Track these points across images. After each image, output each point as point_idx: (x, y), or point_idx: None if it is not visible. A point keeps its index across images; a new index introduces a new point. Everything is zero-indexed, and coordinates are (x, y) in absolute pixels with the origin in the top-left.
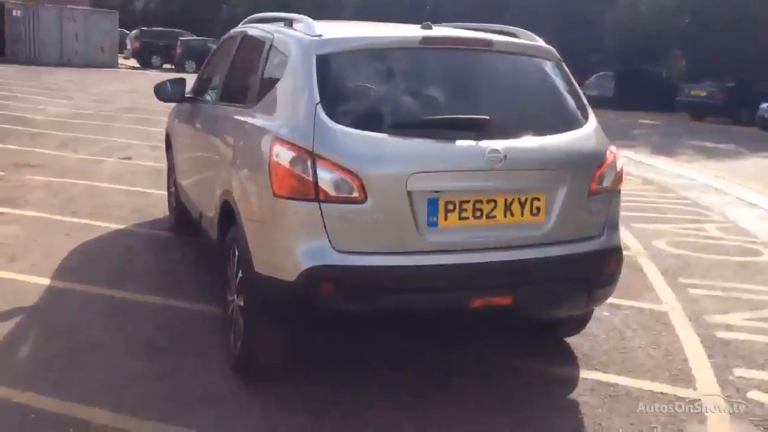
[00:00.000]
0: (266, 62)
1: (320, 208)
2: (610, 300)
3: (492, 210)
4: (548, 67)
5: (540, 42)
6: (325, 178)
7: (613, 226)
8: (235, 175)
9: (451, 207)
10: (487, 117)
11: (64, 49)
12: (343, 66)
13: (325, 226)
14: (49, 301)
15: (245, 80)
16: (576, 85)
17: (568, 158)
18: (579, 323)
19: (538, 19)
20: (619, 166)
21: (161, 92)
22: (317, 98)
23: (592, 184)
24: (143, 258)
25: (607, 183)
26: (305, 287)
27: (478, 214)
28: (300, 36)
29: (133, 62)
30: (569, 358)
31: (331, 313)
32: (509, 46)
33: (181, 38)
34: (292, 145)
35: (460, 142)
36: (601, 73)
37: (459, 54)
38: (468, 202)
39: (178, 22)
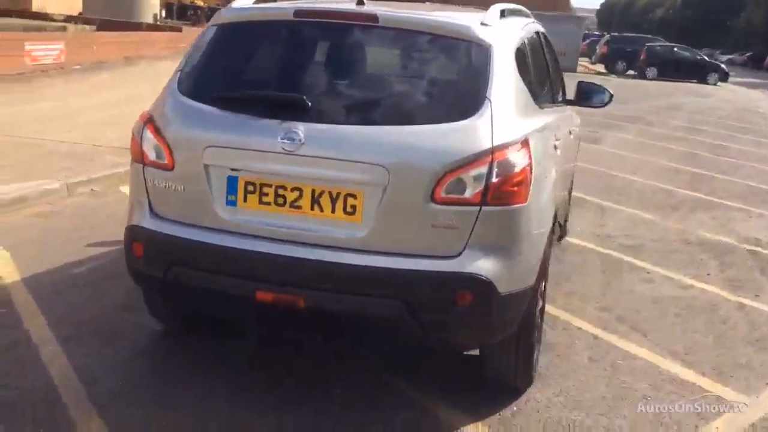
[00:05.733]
0: None
1: (143, 171)
2: (689, 378)
3: (297, 199)
4: (451, 48)
5: (464, 21)
6: (148, 142)
7: (485, 250)
8: None
9: (251, 188)
10: (302, 96)
11: None
12: (219, 37)
13: (146, 189)
14: None
15: None
16: (491, 71)
17: (394, 154)
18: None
19: None
20: (505, 174)
21: None
22: (181, 67)
23: (435, 191)
24: None
25: (468, 193)
26: (125, 245)
27: (280, 201)
28: None
29: (600, 67)
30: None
31: (140, 274)
32: (402, 22)
33: (647, 44)
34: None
35: (259, 120)
36: None
37: (337, 28)
38: (269, 186)
39: (691, 31)
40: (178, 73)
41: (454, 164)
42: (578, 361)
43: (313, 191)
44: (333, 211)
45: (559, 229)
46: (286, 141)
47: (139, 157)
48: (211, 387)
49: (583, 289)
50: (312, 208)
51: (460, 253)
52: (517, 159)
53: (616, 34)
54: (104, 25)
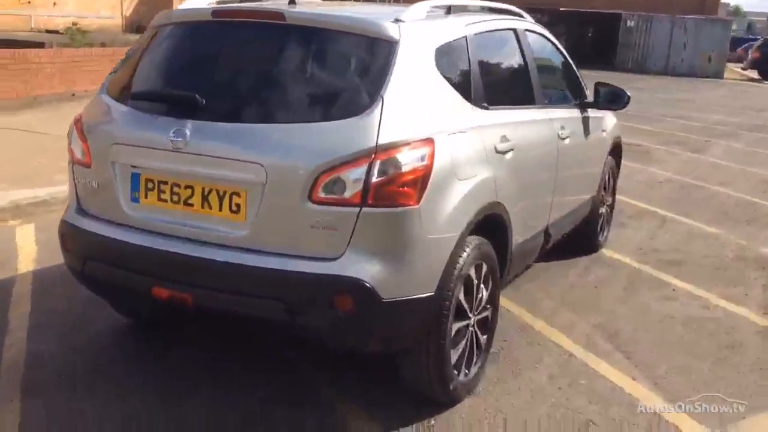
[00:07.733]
0: None
1: (72, 169)
2: (652, 404)
3: (189, 197)
4: (354, 45)
5: (374, 18)
6: (74, 141)
7: (368, 253)
8: None
9: (150, 185)
10: (193, 94)
11: (671, 58)
12: (148, 40)
13: (75, 186)
14: None
15: None
16: (391, 69)
17: (271, 152)
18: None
19: None
20: (390, 174)
21: None
22: (114, 69)
23: (313, 191)
24: None
25: (348, 194)
26: (59, 239)
27: (175, 198)
28: None
29: (753, 73)
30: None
31: (69, 267)
32: (309, 21)
33: None
34: None
35: (154, 118)
36: None
37: (247, 27)
38: (166, 183)
39: None
40: (109, 75)
41: (331, 163)
42: (534, 378)
43: (203, 189)
44: (220, 209)
45: (543, 238)
46: (175, 138)
47: (70, 156)
48: (143, 383)
49: (589, 304)
50: (202, 206)
51: (340, 256)
52: (408, 158)
53: None
54: None
